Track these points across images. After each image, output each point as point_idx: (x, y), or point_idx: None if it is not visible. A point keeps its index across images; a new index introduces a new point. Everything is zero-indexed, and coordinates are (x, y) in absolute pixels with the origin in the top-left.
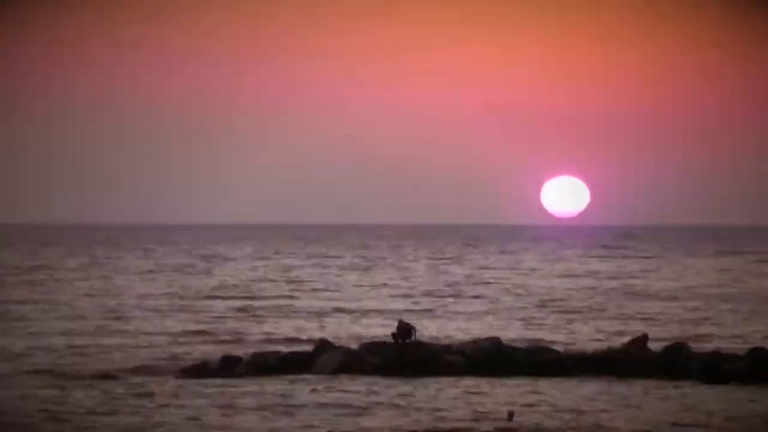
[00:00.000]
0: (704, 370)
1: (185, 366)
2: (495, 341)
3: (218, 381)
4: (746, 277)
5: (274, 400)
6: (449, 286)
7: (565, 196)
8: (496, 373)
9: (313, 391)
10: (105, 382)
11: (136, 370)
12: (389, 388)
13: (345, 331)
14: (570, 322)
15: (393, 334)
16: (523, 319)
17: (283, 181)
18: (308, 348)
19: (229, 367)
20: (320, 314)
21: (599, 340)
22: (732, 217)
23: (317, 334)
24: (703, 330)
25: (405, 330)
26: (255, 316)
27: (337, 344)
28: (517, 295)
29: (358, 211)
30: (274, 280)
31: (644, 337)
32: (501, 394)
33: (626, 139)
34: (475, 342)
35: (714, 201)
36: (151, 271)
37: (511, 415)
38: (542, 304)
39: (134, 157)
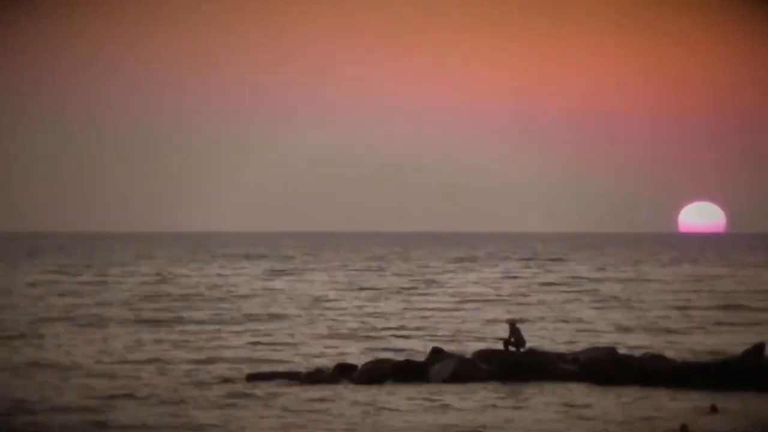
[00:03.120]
0: None
1: (302, 374)
2: (610, 350)
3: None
4: None
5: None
6: None
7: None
8: (609, 382)
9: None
10: None
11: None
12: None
13: None
14: None
15: (504, 341)
16: None
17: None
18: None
19: (345, 375)
20: None
21: None
22: None
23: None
24: None
25: (519, 338)
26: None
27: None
28: None
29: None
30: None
31: (760, 346)
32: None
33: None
34: (590, 350)
35: None
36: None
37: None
38: None
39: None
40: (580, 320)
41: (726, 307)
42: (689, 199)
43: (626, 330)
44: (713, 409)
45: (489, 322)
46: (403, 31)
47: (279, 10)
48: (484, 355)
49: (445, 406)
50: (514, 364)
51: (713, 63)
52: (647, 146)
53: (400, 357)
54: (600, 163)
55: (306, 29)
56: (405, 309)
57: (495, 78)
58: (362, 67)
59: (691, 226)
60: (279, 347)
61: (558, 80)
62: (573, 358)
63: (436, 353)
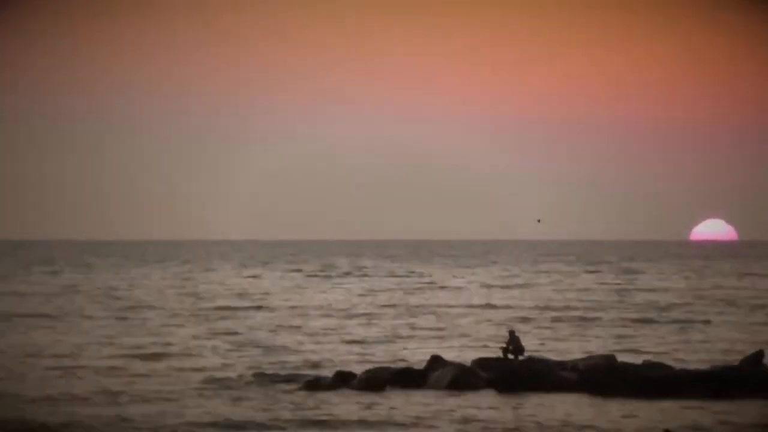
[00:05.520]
0: None
1: (301, 381)
2: (609, 357)
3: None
4: None
5: None
6: None
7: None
8: (609, 389)
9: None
10: None
11: None
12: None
13: None
14: None
15: (503, 349)
16: None
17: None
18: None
19: (344, 382)
20: None
21: None
22: None
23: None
24: None
25: (518, 346)
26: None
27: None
28: None
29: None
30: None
31: (759, 354)
32: None
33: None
34: (589, 358)
35: None
36: None
37: None
38: None
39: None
40: None
41: None
42: (701, 215)
43: None
44: None
45: None
46: (405, 34)
47: (280, 10)
48: (483, 362)
49: (443, 413)
50: (514, 372)
51: (732, 72)
52: (662, 155)
53: None
54: (611, 171)
55: (306, 30)
56: None
57: (507, 85)
58: (363, 71)
59: (702, 235)
60: None
61: (567, 89)
62: (572, 366)
63: (435, 361)
